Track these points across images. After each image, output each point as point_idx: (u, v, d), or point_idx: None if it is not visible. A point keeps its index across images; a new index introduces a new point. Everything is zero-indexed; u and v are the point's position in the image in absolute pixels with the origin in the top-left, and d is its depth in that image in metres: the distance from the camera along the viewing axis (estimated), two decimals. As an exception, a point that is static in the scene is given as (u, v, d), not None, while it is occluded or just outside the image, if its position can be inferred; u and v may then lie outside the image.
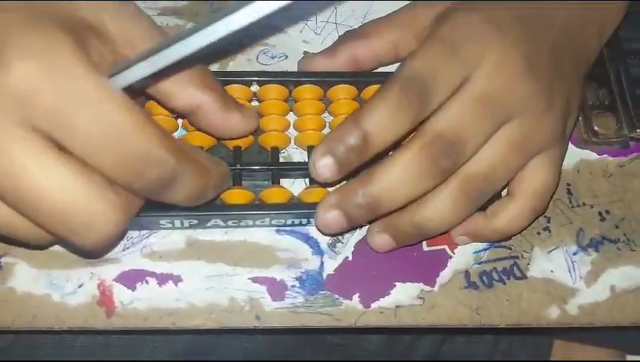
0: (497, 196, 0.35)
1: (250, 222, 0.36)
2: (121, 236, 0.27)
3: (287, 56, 0.42)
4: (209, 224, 0.35)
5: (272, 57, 0.42)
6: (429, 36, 0.33)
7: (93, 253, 0.35)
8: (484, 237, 0.36)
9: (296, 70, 0.40)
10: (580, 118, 0.42)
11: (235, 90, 0.37)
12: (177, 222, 0.35)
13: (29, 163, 0.23)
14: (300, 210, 0.35)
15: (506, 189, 0.36)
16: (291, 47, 0.43)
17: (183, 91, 0.31)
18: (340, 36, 0.41)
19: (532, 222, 0.36)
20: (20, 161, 0.23)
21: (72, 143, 0.23)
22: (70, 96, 0.22)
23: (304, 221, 0.36)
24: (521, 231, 0.36)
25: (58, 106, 0.22)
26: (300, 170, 0.37)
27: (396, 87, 0.31)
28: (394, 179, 0.31)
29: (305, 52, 0.42)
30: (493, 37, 0.32)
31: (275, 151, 0.37)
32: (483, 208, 0.35)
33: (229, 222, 0.35)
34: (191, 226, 0.36)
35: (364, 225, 0.36)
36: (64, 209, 0.24)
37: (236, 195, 0.35)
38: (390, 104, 0.30)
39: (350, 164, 0.31)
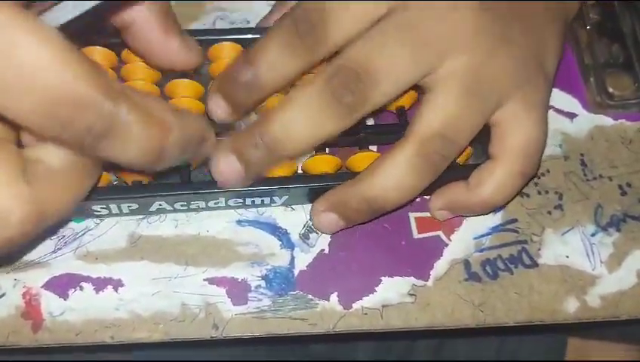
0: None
1: (202, 204, 0.30)
2: (30, 238, 0.22)
3: (248, 22, 0.37)
4: (152, 208, 0.30)
5: (232, 24, 0.37)
6: None
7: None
8: (468, 209, 0.31)
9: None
10: (592, 80, 0.37)
11: None
12: (114, 207, 0.29)
13: None
14: (263, 186, 0.29)
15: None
16: (256, 13, 0.37)
17: None
18: None
19: (522, 188, 0.31)
20: None
21: None
22: None
23: (267, 200, 0.30)
24: (510, 199, 0.31)
25: None
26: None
27: (288, 19, 0.28)
28: (292, 115, 0.27)
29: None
30: None
31: None
32: (464, 177, 0.30)
33: (176, 205, 0.30)
34: (132, 212, 0.30)
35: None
36: None
37: None
38: (280, 41, 0.28)
39: (242, 103, 0.29)
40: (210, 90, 0.29)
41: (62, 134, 0.20)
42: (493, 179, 0.29)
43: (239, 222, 0.32)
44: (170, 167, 0.24)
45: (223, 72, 0.29)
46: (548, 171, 0.34)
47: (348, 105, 0.27)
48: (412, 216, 0.32)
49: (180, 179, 0.29)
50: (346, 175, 0.30)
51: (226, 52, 0.32)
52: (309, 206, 0.32)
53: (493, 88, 0.28)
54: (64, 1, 0.21)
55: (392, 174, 0.28)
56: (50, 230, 0.30)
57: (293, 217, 0.32)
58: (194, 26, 0.37)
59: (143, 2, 0.27)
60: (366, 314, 0.30)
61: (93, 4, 0.21)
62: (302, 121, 0.27)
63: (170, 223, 0.31)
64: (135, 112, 0.21)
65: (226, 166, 0.28)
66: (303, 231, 0.32)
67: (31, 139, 0.22)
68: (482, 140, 0.30)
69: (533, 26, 0.30)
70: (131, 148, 0.22)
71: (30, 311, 0.29)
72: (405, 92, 0.29)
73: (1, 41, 0.18)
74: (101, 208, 0.29)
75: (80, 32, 0.21)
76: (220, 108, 0.29)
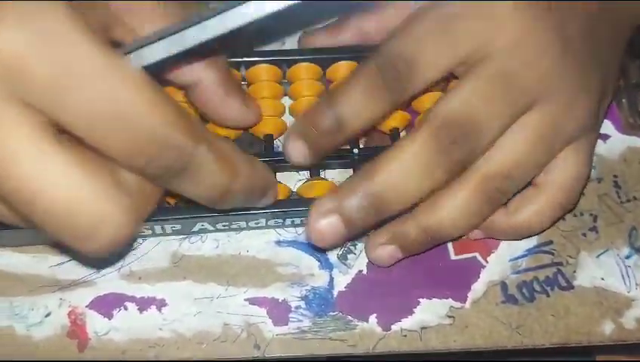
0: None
1: (243, 224, 0.31)
2: (129, 242, 0.24)
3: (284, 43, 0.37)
4: (195, 228, 0.30)
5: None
6: (423, 9, 0.29)
7: (96, 259, 0.30)
8: (501, 234, 0.32)
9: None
10: (624, 101, 0.37)
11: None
12: (158, 228, 0.30)
13: (23, 148, 0.19)
14: (301, 206, 0.30)
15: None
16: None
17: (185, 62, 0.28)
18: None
19: (557, 221, 0.32)
20: (11, 145, 0.19)
21: (73, 122, 0.20)
22: (67, 66, 0.19)
23: (305, 220, 0.31)
24: (544, 230, 0.32)
25: (53, 78, 0.19)
26: None
27: (373, 65, 0.28)
28: (400, 173, 0.27)
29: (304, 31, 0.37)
30: (510, 8, 0.28)
31: (270, 139, 0.32)
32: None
33: (218, 225, 0.30)
34: (174, 232, 0.31)
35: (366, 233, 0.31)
36: (65, 208, 0.20)
37: None
38: (365, 87, 0.28)
39: (323, 148, 0.29)
40: (290, 134, 0.29)
41: (145, 169, 0.21)
42: (533, 207, 0.30)
43: (278, 242, 0.32)
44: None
45: (303, 116, 0.29)
46: (582, 193, 0.34)
47: (457, 160, 0.27)
48: (449, 237, 0.32)
49: None
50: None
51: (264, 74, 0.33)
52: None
53: (563, 137, 0.29)
54: (153, 44, 0.22)
55: (453, 208, 0.28)
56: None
57: (331, 238, 0.32)
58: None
59: (207, 65, 0.28)
60: (405, 335, 0.30)
61: (180, 48, 0.22)
62: (411, 178, 0.27)
63: (211, 243, 0.32)
64: (211, 155, 0.22)
65: (328, 228, 0.27)
66: (341, 252, 0.32)
67: None
68: None
69: (604, 62, 0.30)
70: (200, 187, 0.23)
71: (76, 330, 0.30)
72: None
73: (102, 82, 0.19)
74: (145, 229, 0.30)
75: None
76: (299, 153, 0.29)
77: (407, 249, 0.30)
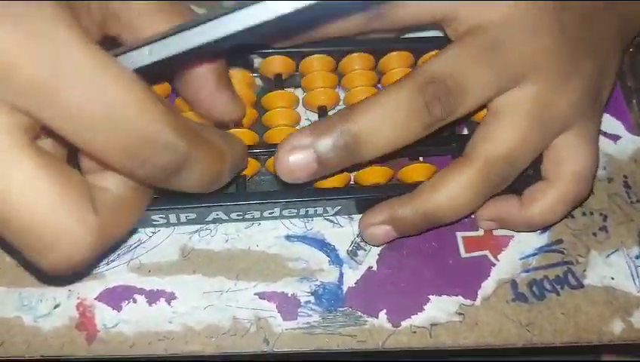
0: (525, 180, 0.31)
1: (257, 214, 0.31)
2: (88, 264, 0.23)
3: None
4: (209, 218, 0.30)
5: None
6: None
7: (49, 275, 0.29)
8: (515, 224, 0.32)
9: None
10: (634, 102, 0.37)
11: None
12: (172, 217, 0.30)
13: None
14: (315, 197, 0.30)
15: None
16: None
17: None
18: None
19: (570, 212, 0.32)
20: None
21: (61, 124, 0.20)
22: (55, 67, 0.19)
23: (319, 210, 0.31)
24: (558, 221, 0.32)
25: (41, 79, 0.19)
26: None
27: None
28: (381, 118, 0.27)
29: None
30: None
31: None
32: (517, 192, 0.31)
33: (232, 215, 0.30)
34: (189, 222, 0.31)
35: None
36: (25, 215, 0.20)
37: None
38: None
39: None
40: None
41: (138, 170, 0.21)
42: (546, 199, 0.30)
43: (288, 237, 0.32)
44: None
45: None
46: (592, 193, 0.34)
47: (435, 115, 0.27)
48: (459, 235, 0.32)
49: (237, 190, 0.30)
50: (398, 186, 0.31)
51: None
52: (356, 222, 0.32)
53: (558, 118, 0.29)
54: (141, 48, 0.22)
55: (452, 191, 0.28)
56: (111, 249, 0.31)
57: (341, 233, 0.32)
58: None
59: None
60: (415, 332, 0.30)
61: (171, 52, 0.22)
62: (388, 123, 0.27)
63: (220, 237, 0.32)
64: (201, 148, 0.22)
65: (299, 162, 0.27)
66: (350, 248, 0.32)
67: (90, 165, 0.23)
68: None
69: (601, 51, 0.31)
70: (195, 179, 0.23)
71: (84, 322, 0.30)
72: None
73: (91, 82, 0.19)
74: (160, 218, 0.30)
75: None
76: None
77: (402, 230, 0.30)
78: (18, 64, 0.19)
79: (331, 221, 0.32)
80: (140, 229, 0.31)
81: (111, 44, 0.25)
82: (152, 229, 0.31)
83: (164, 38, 0.22)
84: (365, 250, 0.32)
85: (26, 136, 0.20)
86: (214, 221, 0.31)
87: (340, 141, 0.26)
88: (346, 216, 0.32)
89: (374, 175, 0.31)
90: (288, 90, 0.33)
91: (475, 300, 0.31)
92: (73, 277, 0.30)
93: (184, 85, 0.28)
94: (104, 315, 0.30)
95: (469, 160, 0.29)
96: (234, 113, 0.29)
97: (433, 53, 0.32)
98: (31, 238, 0.20)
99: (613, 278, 0.32)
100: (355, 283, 0.31)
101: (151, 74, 0.22)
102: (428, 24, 0.31)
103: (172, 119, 0.21)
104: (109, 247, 0.23)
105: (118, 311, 0.30)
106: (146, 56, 0.22)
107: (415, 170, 0.31)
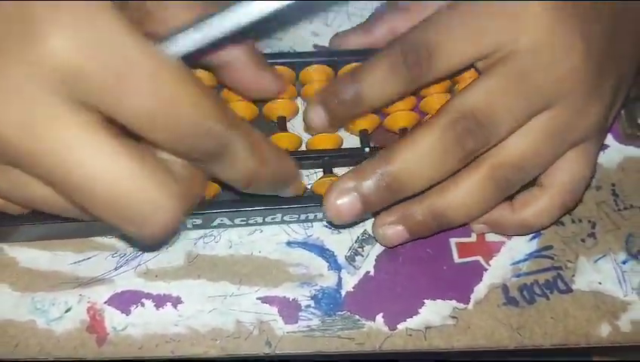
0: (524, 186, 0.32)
1: (260, 219, 0.32)
2: (178, 227, 0.25)
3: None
4: (214, 223, 0.32)
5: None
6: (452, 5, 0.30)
7: (149, 243, 0.32)
8: (506, 228, 0.33)
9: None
10: (622, 112, 0.38)
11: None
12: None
13: (77, 138, 0.20)
14: (315, 203, 0.31)
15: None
16: (300, 41, 0.39)
17: None
18: (373, 12, 0.38)
19: (559, 218, 0.34)
20: (71, 143, 0.20)
21: (125, 119, 0.21)
22: (121, 68, 0.20)
23: (319, 215, 0.32)
24: (546, 227, 0.34)
25: (107, 80, 0.20)
26: (314, 158, 0.34)
27: (397, 47, 0.30)
28: (417, 159, 0.29)
29: (315, 45, 0.38)
30: (537, 9, 0.29)
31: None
32: (509, 197, 0.32)
33: (236, 220, 0.32)
34: (195, 227, 0.32)
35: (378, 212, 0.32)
36: (121, 197, 0.21)
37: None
38: (387, 66, 0.30)
39: (341, 117, 0.32)
40: (313, 100, 0.32)
41: (187, 153, 0.23)
42: (538, 205, 0.31)
43: (289, 243, 0.33)
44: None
45: (327, 86, 0.32)
46: (581, 201, 0.35)
47: (469, 149, 0.29)
48: (453, 241, 0.34)
49: (240, 197, 0.31)
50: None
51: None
52: (354, 228, 0.34)
53: (574, 137, 0.30)
54: (186, 33, 0.23)
55: (462, 192, 0.30)
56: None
57: (340, 240, 0.34)
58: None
59: (236, 44, 0.30)
60: (410, 335, 0.31)
61: (216, 35, 0.23)
62: (426, 163, 0.29)
63: (224, 244, 0.33)
64: (244, 142, 0.24)
65: (346, 205, 0.29)
66: (349, 254, 0.33)
67: None
68: None
69: (620, 68, 0.31)
70: (232, 171, 0.24)
71: (95, 325, 0.31)
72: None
73: (152, 82, 0.20)
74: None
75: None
76: (319, 118, 0.32)
77: (413, 231, 0.31)
78: (86, 67, 0.19)
79: (330, 228, 0.34)
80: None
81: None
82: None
83: (204, 22, 0.23)
84: (363, 256, 0.33)
85: (101, 122, 0.21)
86: (219, 226, 0.32)
87: (381, 183, 0.29)
88: (345, 223, 0.34)
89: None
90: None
91: (468, 304, 0.32)
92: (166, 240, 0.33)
93: (228, 76, 0.31)
94: (114, 319, 0.31)
95: (481, 164, 0.30)
96: (279, 87, 0.33)
97: None
98: (129, 216, 0.22)
99: (600, 283, 0.34)
100: (353, 288, 0.32)
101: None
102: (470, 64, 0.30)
103: (220, 110, 0.22)
104: (189, 212, 0.24)
105: (127, 315, 0.31)
106: (190, 42, 0.23)
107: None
